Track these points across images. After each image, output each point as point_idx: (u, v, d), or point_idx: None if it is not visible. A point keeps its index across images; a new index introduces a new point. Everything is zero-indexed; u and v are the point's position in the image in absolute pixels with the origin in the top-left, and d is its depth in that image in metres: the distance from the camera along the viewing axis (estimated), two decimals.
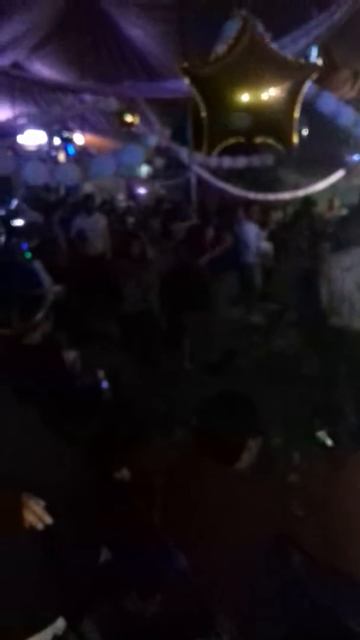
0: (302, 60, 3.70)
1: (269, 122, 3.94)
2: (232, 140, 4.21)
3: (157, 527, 2.31)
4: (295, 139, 3.94)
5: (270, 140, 4.40)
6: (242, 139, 4.39)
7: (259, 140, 4.39)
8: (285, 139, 4.13)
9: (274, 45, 6.20)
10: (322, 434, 2.69)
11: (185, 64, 3.85)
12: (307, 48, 7.19)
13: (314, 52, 8.18)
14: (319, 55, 8.65)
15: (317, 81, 8.95)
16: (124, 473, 2.73)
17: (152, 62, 12.40)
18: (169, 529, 2.29)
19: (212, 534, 2.13)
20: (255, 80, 3.74)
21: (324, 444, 2.67)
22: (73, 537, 1.98)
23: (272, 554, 2.19)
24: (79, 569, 1.99)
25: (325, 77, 10.06)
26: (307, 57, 8.06)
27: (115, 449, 2.92)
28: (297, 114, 3.84)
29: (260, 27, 6.45)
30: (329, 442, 2.64)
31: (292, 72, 3.83)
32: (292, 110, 3.92)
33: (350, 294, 5.03)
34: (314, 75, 3.62)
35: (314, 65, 3.67)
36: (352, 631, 2.14)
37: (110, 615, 1.86)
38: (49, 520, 1.41)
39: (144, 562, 2.09)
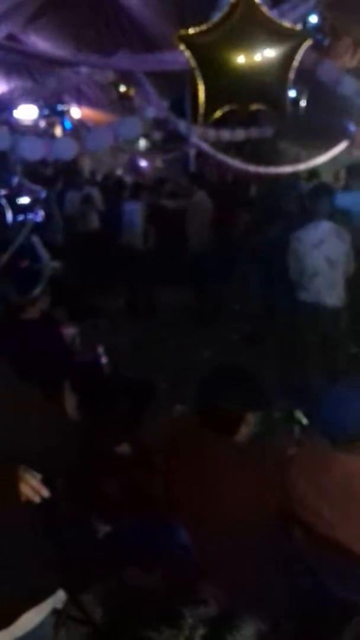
0: (296, 27, 3.63)
1: (263, 89, 3.90)
2: (227, 108, 4.16)
3: (159, 502, 2.31)
4: (289, 107, 3.93)
5: (265, 108, 4.36)
6: (236, 106, 4.35)
7: (254, 107, 4.34)
8: (279, 107, 4.09)
9: (273, 12, 6.06)
10: (298, 413, 2.68)
11: (182, 31, 3.80)
12: (307, 14, 7.02)
13: (313, 18, 8.01)
14: (319, 22, 8.48)
15: (318, 49, 8.79)
16: (125, 448, 2.73)
17: (149, 32, 12.15)
18: (170, 503, 2.30)
19: (212, 508, 2.14)
20: (251, 48, 3.69)
21: (300, 423, 2.66)
22: (73, 510, 1.98)
23: (272, 527, 2.19)
24: (80, 542, 1.99)
25: (326, 46, 9.89)
26: (306, 24, 7.90)
27: (116, 424, 2.93)
28: (290, 82, 3.80)
29: None
30: (305, 421, 2.63)
31: (287, 39, 3.78)
32: (285, 77, 3.87)
33: (321, 270, 4.90)
34: (308, 42, 3.57)
35: (308, 31, 3.61)
36: (353, 606, 2.15)
37: (112, 588, 1.87)
38: (45, 493, 1.41)
39: (146, 536, 2.09)
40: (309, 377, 4.99)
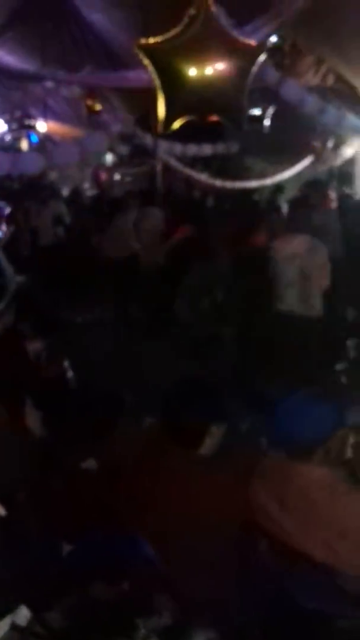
0: (252, 41, 3.76)
1: (220, 101, 4.02)
2: (186, 118, 4.28)
3: (124, 515, 2.31)
4: (246, 121, 4.04)
5: (222, 120, 4.46)
6: (195, 117, 4.46)
7: (212, 118, 4.46)
8: (237, 119, 4.22)
9: (236, 32, 6.19)
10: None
11: (142, 40, 3.90)
12: (269, 36, 7.19)
13: (273, 38, 8.18)
14: (281, 41, 8.67)
15: (280, 68, 8.98)
16: (91, 463, 2.72)
17: (114, 49, 12.25)
18: (135, 516, 2.29)
19: (177, 521, 2.14)
20: (208, 60, 3.80)
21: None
22: (36, 526, 1.96)
23: (238, 539, 2.21)
24: (43, 558, 1.98)
25: (289, 64, 10.10)
26: (270, 45, 8.08)
27: (81, 439, 2.91)
28: (247, 95, 3.94)
29: (222, 19, 6.43)
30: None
31: (243, 53, 3.91)
32: (242, 91, 4.00)
33: (295, 281, 5.10)
34: (263, 55, 3.70)
35: (264, 45, 3.74)
36: (319, 616, 2.16)
37: (77, 604, 1.85)
38: (2, 511, 1.40)
39: (111, 550, 2.08)
40: (275, 387, 5.07)
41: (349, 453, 2.37)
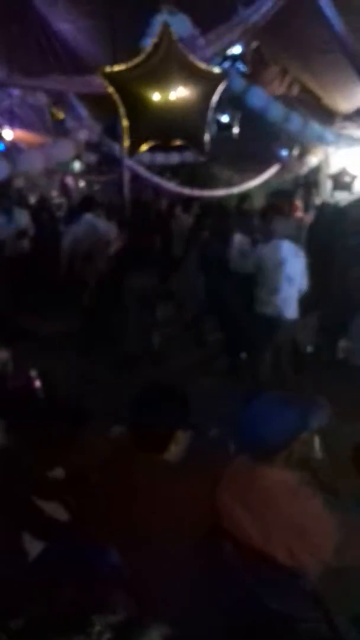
0: (214, 69, 3.83)
1: (183, 126, 4.08)
2: (150, 143, 4.35)
3: (91, 523, 2.31)
4: (207, 144, 4.13)
5: (185, 144, 4.53)
6: (159, 142, 4.54)
7: (176, 143, 4.55)
8: (199, 144, 4.31)
9: (200, 40, 6.27)
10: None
11: (106, 69, 3.94)
12: (232, 44, 7.29)
13: (237, 48, 8.29)
14: (242, 51, 8.78)
15: (247, 77, 9.09)
16: (59, 472, 2.71)
17: (82, 57, 12.26)
18: (102, 524, 2.29)
19: (144, 528, 2.15)
20: (171, 87, 3.86)
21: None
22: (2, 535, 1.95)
23: (203, 543, 2.22)
24: (8, 567, 1.96)
25: (255, 73, 10.25)
26: (232, 54, 8.19)
27: (49, 448, 2.90)
28: (209, 120, 4.06)
29: (188, 27, 6.50)
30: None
31: (205, 80, 3.99)
32: (204, 116, 4.09)
33: (281, 286, 5.22)
34: (224, 84, 3.78)
35: (225, 73, 3.84)
36: (282, 617, 2.19)
37: (42, 612, 1.84)
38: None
39: (77, 557, 2.08)
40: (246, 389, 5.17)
41: (313, 456, 2.41)
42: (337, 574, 2.31)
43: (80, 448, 3.13)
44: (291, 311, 5.40)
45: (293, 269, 5.31)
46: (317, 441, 2.42)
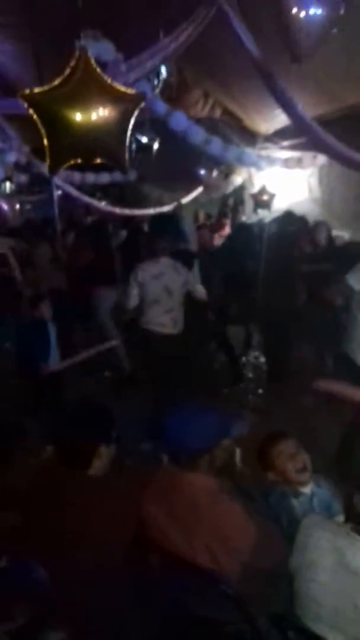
0: (132, 91, 4.00)
1: (103, 146, 4.20)
2: (71, 162, 4.48)
3: (19, 540, 2.35)
4: (127, 162, 4.29)
5: (107, 162, 4.68)
6: (81, 161, 4.66)
7: (97, 161, 4.68)
8: (119, 162, 4.45)
9: (123, 66, 6.45)
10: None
11: (25, 91, 4.04)
12: (154, 69, 7.49)
13: (163, 70, 8.50)
14: (169, 75, 9.04)
15: (170, 100, 9.32)
16: None
17: (8, 79, 12.23)
18: (30, 541, 2.34)
19: (69, 542, 2.21)
20: (89, 108, 3.98)
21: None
22: None
23: (129, 554, 2.30)
24: None
25: (178, 96, 10.50)
26: (158, 74, 8.38)
27: None
28: (128, 140, 4.24)
29: (112, 52, 6.65)
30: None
31: (122, 101, 4.14)
32: (123, 136, 4.24)
33: (159, 297, 5.49)
34: (141, 105, 3.96)
35: (141, 96, 4.03)
36: (211, 623, 2.29)
37: None
38: None
39: (4, 574, 2.12)
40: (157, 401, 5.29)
41: (233, 464, 2.54)
42: (255, 576, 2.43)
43: (12, 467, 3.16)
44: (172, 323, 5.64)
45: (172, 281, 5.62)
46: (238, 452, 2.56)
